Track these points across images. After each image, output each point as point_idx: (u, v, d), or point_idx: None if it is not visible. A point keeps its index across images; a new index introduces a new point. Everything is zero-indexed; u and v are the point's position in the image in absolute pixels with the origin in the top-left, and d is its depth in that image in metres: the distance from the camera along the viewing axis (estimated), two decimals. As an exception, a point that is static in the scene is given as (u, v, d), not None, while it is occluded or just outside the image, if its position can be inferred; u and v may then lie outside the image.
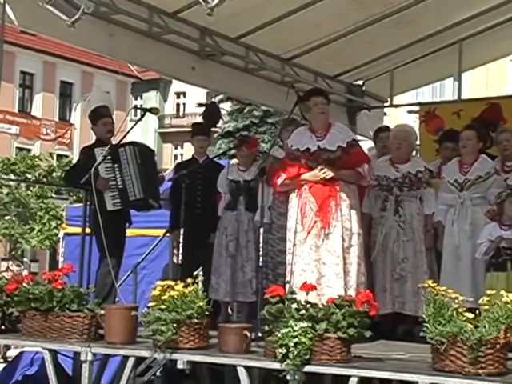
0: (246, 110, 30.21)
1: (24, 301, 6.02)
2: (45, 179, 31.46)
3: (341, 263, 6.16)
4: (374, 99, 10.48)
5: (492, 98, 11.36)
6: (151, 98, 45.10)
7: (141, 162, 7.17)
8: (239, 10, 7.57)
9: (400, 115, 20.35)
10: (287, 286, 5.99)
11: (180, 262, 6.91)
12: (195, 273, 7.32)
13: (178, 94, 46.87)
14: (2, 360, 13.14)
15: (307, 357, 4.99)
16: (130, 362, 5.70)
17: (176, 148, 46.28)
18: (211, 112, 8.10)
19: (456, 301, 4.81)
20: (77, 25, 6.46)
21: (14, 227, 30.71)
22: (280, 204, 6.93)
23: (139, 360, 6.25)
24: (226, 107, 29.98)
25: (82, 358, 5.79)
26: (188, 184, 7.03)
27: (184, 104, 46.61)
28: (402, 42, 9.30)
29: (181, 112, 46.72)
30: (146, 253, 9.12)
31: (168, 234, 8.33)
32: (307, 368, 5.02)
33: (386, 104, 10.69)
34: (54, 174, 31.84)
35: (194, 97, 41.89)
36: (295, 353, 4.95)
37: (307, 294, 5.29)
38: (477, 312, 4.82)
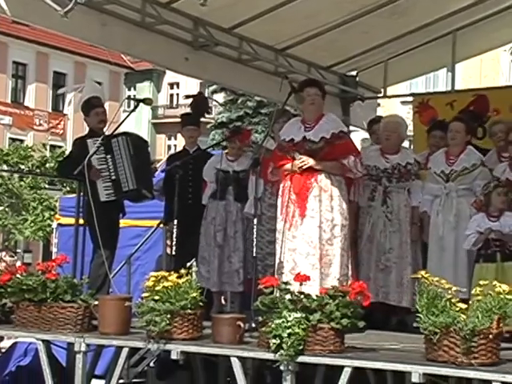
0: (239, 101, 30.23)
1: (17, 292, 6.01)
2: (38, 170, 31.44)
3: (317, 254, 6.16)
4: (368, 90, 10.47)
5: (485, 88, 11.37)
6: (144, 89, 45.01)
7: (134, 153, 7.17)
8: (233, 0, 7.54)
9: (393, 106, 20.38)
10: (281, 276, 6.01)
11: (174, 253, 6.91)
12: (188, 264, 7.33)
13: (171, 85, 46.79)
14: (-5, 351, 13.14)
15: (301, 347, 4.99)
16: (124, 353, 5.70)
17: (169, 139, 46.23)
18: (199, 103, 8.10)
19: (449, 291, 4.82)
20: (69, 15, 6.43)
21: (7, 218, 30.71)
22: (270, 195, 6.94)
23: (133, 351, 6.25)
24: (219, 98, 29.97)
25: (76, 348, 5.79)
26: (182, 175, 7.02)
27: (177, 94, 46.49)
28: (396, 33, 9.29)
29: (174, 102, 46.63)
30: (139, 243, 9.11)
31: (162, 225, 8.33)
32: (301, 358, 5.02)
33: (379, 95, 10.68)
34: (47, 165, 31.82)
35: (188, 87, 41.77)
36: (289, 343, 4.96)
37: (301, 284, 5.29)
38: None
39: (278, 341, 4.98)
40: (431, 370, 4.75)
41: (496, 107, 9.43)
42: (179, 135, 44.46)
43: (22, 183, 31.41)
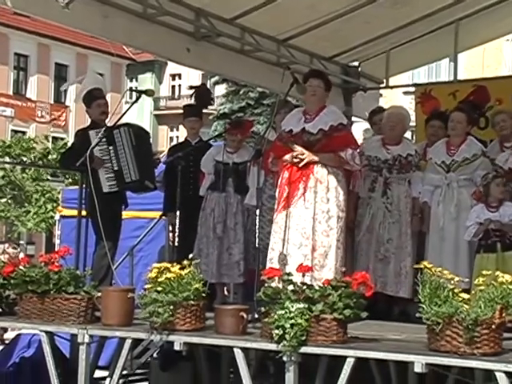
0: (241, 92, 30.22)
1: (21, 283, 6.02)
2: (40, 162, 31.44)
3: (310, 245, 6.16)
4: (370, 80, 10.46)
5: (488, 78, 11.35)
6: (146, 80, 44.98)
7: (136, 144, 7.18)
8: (234, -10, 7.54)
9: (396, 96, 20.36)
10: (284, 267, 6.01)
11: (176, 244, 6.92)
12: (191, 255, 7.33)
13: (173, 76, 46.74)
14: (-1, 342, 13.19)
15: (303, 338, 5.00)
16: (127, 344, 5.71)
17: (171, 130, 46.20)
18: (201, 94, 8.09)
19: (452, 282, 4.82)
20: (71, 6, 6.43)
21: (9, 210, 30.72)
22: (271, 186, 6.94)
23: (136, 342, 6.28)
24: (221, 89, 29.98)
25: (79, 340, 5.80)
26: (184, 166, 7.02)
27: (179, 86, 46.47)
28: (399, 23, 9.27)
29: (176, 94, 46.59)
30: (142, 235, 9.12)
31: (164, 217, 8.34)
32: (303, 349, 5.03)
33: (381, 85, 10.67)
34: (49, 157, 31.81)
35: (190, 78, 41.75)
36: (291, 334, 4.96)
37: (303, 275, 5.30)
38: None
39: (281, 331, 4.99)
40: (434, 360, 4.76)
41: (498, 97, 9.41)
42: (181, 126, 44.17)
43: (25, 175, 31.41)
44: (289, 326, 4.96)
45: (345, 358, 5.00)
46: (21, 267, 6.17)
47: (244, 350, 5.29)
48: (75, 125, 32.05)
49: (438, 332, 4.73)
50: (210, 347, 6.33)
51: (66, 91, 36.20)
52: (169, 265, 5.55)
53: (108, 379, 5.90)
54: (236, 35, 8.56)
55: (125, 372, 7.02)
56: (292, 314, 4.97)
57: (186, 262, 5.52)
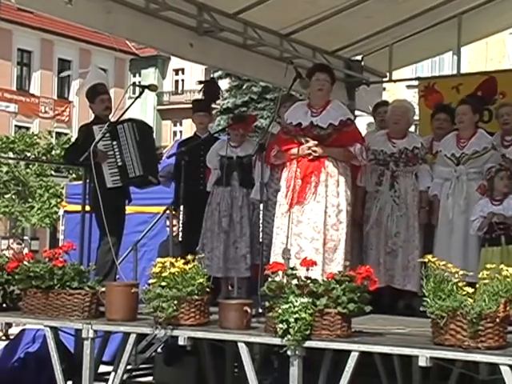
0: (244, 87, 30.18)
1: (25, 279, 6.03)
2: (44, 157, 31.48)
3: (321, 239, 6.17)
4: (373, 74, 10.45)
5: (491, 72, 11.33)
6: (149, 75, 44.95)
7: (139, 139, 7.17)
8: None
9: (399, 90, 20.33)
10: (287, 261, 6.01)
11: (180, 239, 6.92)
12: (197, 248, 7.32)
13: (176, 71, 46.72)
14: (4, 338, 13.21)
15: (308, 332, 5.01)
16: (132, 339, 5.72)
17: (175, 125, 46.21)
18: (210, 88, 8.08)
19: (456, 275, 4.82)
20: (74, 2, 6.45)
21: (13, 205, 30.77)
22: (277, 181, 6.93)
23: (140, 337, 6.28)
24: (224, 84, 29.93)
25: (84, 335, 5.81)
26: (188, 161, 7.02)
27: (182, 80, 46.47)
28: (401, 17, 9.26)
29: (179, 89, 46.58)
30: (146, 230, 9.12)
31: (168, 211, 8.34)
32: (308, 343, 5.04)
33: (384, 79, 10.66)
34: (53, 152, 31.87)
35: (193, 73, 41.75)
36: (296, 328, 4.97)
37: (307, 269, 5.30)
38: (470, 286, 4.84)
39: (285, 326, 4.99)
40: (438, 353, 4.76)
41: (502, 90, 9.41)
42: (184, 121, 44.53)
43: (28, 170, 31.45)
44: (293, 320, 4.96)
45: (349, 352, 5.01)
46: (25, 263, 6.18)
47: (248, 344, 5.30)
48: (79, 120, 32.03)
49: (443, 326, 4.73)
50: (214, 342, 6.33)
51: (69, 85, 36.27)
52: (173, 260, 5.55)
53: (112, 374, 5.90)
54: (239, 30, 8.56)
55: (129, 367, 7.03)
56: (296, 309, 4.97)
57: (189, 257, 5.53)
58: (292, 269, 5.30)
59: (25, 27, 35.71)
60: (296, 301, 5.00)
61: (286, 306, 5.00)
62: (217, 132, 8.30)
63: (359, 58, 10.28)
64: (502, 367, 4.60)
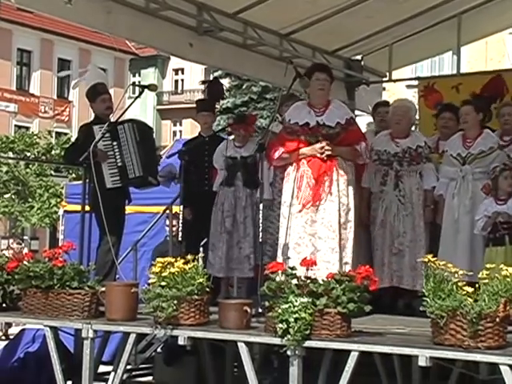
0: (244, 86, 30.16)
1: (25, 279, 6.03)
2: (44, 157, 31.47)
3: (337, 238, 6.18)
4: (373, 74, 10.45)
5: (491, 71, 11.34)
6: (149, 75, 44.95)
7: (140, 140, 7.17)
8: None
9: (399, 90, 20.33)
10: (284, 259, 6.01)
11: (179, 239, 6.92)
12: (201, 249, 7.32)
13: (176, 71, 46.72)
14: (3, 338, 13.21)
15: (307, 332, 5.01)
16: (131, 339, 5.72)
17: (175, 125, 46.19)
18: (213, 88, 8.08)
19: (456, 275, 4.82)
20: (74, 2, 6.45)
21: (13, 205, 30.76)
22: (281, 181, 6.91)
23: (140, 337, 6.27)
24: (224, 83, 29.92)
25: (83, 334, 5.81)
26: (188, 161, 7.02)
27: (182, 80, 46.48)
28: (401, 16, 9.26)
29: (179, 88, 46.59)
30: (145, 230, 9.13)
31: (168, 211, 8.34)
32: (307, 343, 5.04)
33: (384, 79, 10.66)
34: (52, 152, 31.85)
35: (193, 73, 41.80)
36: (295, 328, 4.97)
37: (307, 269, 5.30)
38: (476, 286, 4.83)
39: (285, 326, 4.99)
40: (438, 353, 4.76)
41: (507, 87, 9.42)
42: (184, 121, 44.51)
43: (28, 170, 31.45)
44: (293, 320, 4.96)
45: (349, 351, 5.01)
46: (25, 262, 6.17)
47: (248, 344, 5.30)
48: (78, 120, 32.04)
49: (443, 326, 4.72)
50: (214, 341, 6.33)
51: (68, 85, 36.23)
52: (173, 259, 5.55)
53: (112, 374, 5.90)
54: (239, 30, 8.56)
55: (129, 367, 7.03)
56: (296, 308, 4.97)
57: (189, 257, 5.53)
58: (292, 268, 5.30)
59: (25, 27, 35.69)
60: (296, 301, 5.00)
61: (286, 305, 5.00)
62: (216, 132, 8.28)
63: (359, 57, 10.28)
64: (501, 367, 4.60)
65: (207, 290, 5.52)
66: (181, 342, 5.48)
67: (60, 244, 8.54)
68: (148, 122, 8.75)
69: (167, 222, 8.93)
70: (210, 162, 7.45)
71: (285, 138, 6.47)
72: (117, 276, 7.04)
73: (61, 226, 12.22)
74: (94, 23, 7.62)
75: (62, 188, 14.05)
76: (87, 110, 7.86)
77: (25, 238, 31.12)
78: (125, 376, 6.04)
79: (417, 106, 8.69)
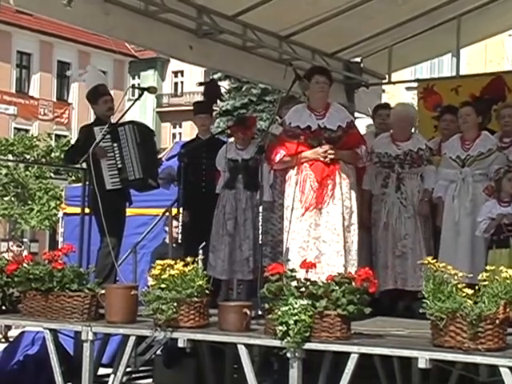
0: (243, 88, 30.18)
1: (24, 281, 6.03)
2: (43, 159, 31.44)
3: (341, 241, 6.19)
4: (372, 76, 10.45)
5: (490, 73, 11.34)
6: (149, 77, 44.95)
7: (140, 142, 7.16)
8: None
9: (398, 92, 20.35)
10: (288, 263, 6.00)
11: (179, 241, 6.92)
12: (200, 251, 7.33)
13: (175, 73, 46.74)
14: (3, 340, 13.21)
15: (307, 334, 5.00)
16: (131, 341, 5.72)
17: (174, 127, 46.20)
18: (210, 90, 8.08)
19: (455, 277, 4.82)
20: (73, 4, 6.44)
21: (13, 208, 30.72)
22: (281, 183, 6.92)
23: (140, 339, 6.27)
24: (224, 86, 29.92)
25: (83, 337, 5.81)
26: (188, 163, 7.01)
27: (182, 83, 46.49)
28: (401, 18, 9.27)
29: (179, 91, 46.60)
30: (145, 232, 9.12)
31: (167, 214, 8.34)
32: (307, 345, 5.04)
33: (384, 81, 10.67)
34: (52, 155, 31.81)
35: (192, 75, 41.75)
36: (295, 330, 4.96)
37: (307, 271, 5.30)
38: (476, 288, 4.83)
39: (285, 328, 4.99)
40: (438, 355, 4.75)
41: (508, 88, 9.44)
42: (184, 123, 44.51)
43: (28, 173, 31.40)
44: (292, 322, 4.96)
45: (348, 354, 5.01)
46: (24, 265, 6.17)
47: (248, 346, 5.30)
48: (78, 122, 32.02)
49: (442, 327, 4.72)
50: (213, 344, 6.33)
51: (68, 88, 36.24)
52: (172, 262, 5.55)
53: (112, 376, 5.90)
54: (238, 32, 8.56)
55: (129, 369, 7.03)
56: (296, 311, 4.97)
57: (189, 259, 5.52)
58: (291, 271, 5.30)
59: (24, 29, 35.68)
60: (295, 303, 5.00)
61: (286, 307, 5.00)
62: (216, 134, 8.28)
63: (358, 59, 10.28)
64: (501, 369, 4.59)
65: (207, 292, 5.52)
66: (180, 344, 5.47)
67: (60, 246, 8.54)
68: (147, 124, 8.73)
69: (167, 225, 8.92)
70: (207, 165, 7.44)
71: (285, 141, 6.45)
72: (117, 278, 7.04)
73: (60, 229, 12.24)
74: (93, 26, 7.62)
75: (62, 190, 14.05)
76: (87, 112, 7.90)
77: (24, 240, 31.11)
78: (124, 378, 6.04)
79: (416, 108, 8.71)
